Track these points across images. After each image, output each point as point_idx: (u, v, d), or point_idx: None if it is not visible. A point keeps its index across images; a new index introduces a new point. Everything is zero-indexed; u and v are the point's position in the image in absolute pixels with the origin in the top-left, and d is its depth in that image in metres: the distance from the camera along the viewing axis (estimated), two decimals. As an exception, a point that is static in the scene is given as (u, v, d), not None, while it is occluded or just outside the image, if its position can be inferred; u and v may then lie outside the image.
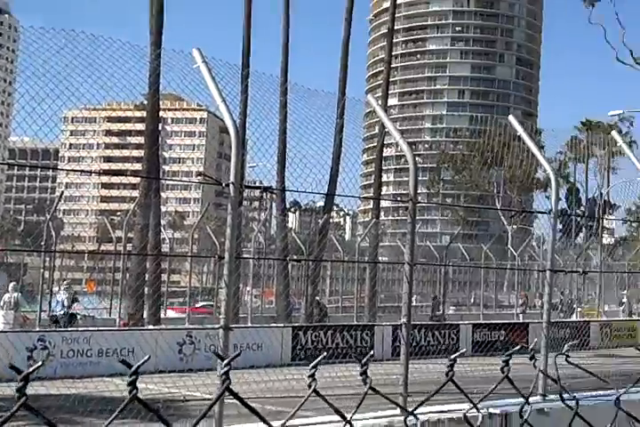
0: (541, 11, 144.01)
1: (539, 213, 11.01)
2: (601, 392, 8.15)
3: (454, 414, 7.19)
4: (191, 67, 6.73)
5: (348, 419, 1.69)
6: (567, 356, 1.42)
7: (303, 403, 1.58)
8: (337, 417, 1.68)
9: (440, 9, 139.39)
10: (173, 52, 7.75)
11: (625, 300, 31.64)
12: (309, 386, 1.46)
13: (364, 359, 1.47)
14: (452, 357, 1.42)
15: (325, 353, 1.62)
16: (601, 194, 66.94)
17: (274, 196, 25.23)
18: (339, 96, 21.81)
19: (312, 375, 1.46)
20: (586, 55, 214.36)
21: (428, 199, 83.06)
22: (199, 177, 78.18)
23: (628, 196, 38.71)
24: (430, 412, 7.81)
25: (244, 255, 24.95)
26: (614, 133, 12.28)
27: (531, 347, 1.46)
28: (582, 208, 74.91)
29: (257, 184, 14.75)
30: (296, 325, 21.13)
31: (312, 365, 1.44)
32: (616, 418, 1.76)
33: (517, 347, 1.59)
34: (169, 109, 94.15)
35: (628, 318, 28.63)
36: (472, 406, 1.45)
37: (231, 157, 6.45)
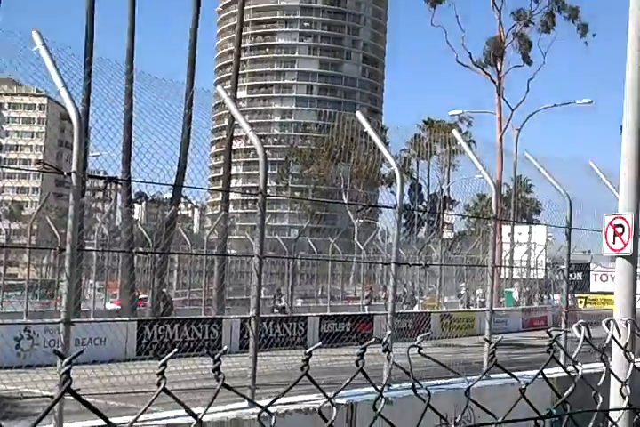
0: (386, 11, 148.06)
1: (384, 207, 11.27)
2: (442, 381, 8.47)
3: (301, 406, 7.24)
4: (30, 50, 6.38)
5: (200, 417, 1.60)
6: (419, 348, 1.40)
7: (151, 403, 1.49)
8: (184, 412, 1.60)
9: (288, 4, 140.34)
10: (10, 33, 7.28)
11: (463, 292, 33.16)
12: (158, 384, 1.37)
13: (217, 355, 1.39)
14: (308, 351, 1.36)
15: (175, 349, 1.52)
16: (442, 190, 69.81)
17: (119, 186, 24.50)
18: (187, 86, 21.47)
19: (161, 373, 1.37)
20: (429, 55, 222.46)
21: (278, 193, 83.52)
22: (38, 165, 74.80)
23: (467, 192, 40.68)
24: (279, 404, 7.85)
25: (87, 247, 24.11)
26: (455, 132, 12.74)
27: (384, 340, 1.43)
28: (424, 204, 77.83)
29: (101, 174, 14.24)
30: (141, 318, 20.66)
31: (161, 362, 1.35)
32: (467, 408, 1.79)
33: (371, 340, 1.55)
34: (5, 94, 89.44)
35: (466, 310, 30.00)
36: (327, 399, 1.41)
37: (73, 145, 6.16)
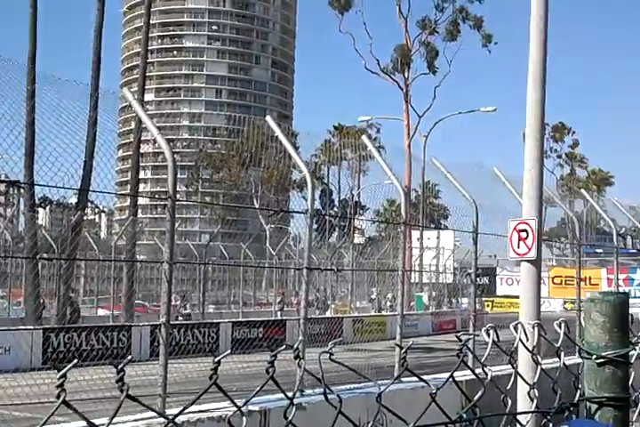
0: (295, 16, 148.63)
1: (295, 212, 11.29)
2: (355, 385, 8.52)
3: (214, 413, 7.16)
4: None
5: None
6: (331, 354, 1.38)
7: (51, 415, 1.44)
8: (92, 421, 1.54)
9: (196, 6, 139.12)
10: None
11: (374, 296, 33.52)
12: (58, 396, 1.32)
13: (121, 365, 1.34)
14: (216, 359, 1.33)
15: (76, 360, 1.46)
16: (352, 195, 70.45)
17: (22, 190, 23.73)
18: (92, 88, 20.99)
19: (61, 385, 1.32)
20: (339, 62, 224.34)
21: (188, 197, 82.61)
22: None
23: (377, 198, 41.09)
24: (190, 412, 7.74)
25: (-11, 255, 23.25)
26: (364, 138, 12.88)
27: (295, 347, 1.41)
28: (336, 209, 78.37)
29: (2, 178, 13.76)
30: (47, 327, 20.07)
31: (60, 374, 1.29)
32: (378, 413, 1.80)
33: (282, 347, 1.54)
34: None
35: (377, 314, 30.32)
36: (237, 409, 1.38)
37: (-26, 147, 5.94)
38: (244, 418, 1.34)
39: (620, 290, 19.42)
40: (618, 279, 18.31)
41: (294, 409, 1.32)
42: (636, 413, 1.84)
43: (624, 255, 22.63)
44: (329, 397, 1.43)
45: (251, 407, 7.48)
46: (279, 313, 30.12)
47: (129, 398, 1.45)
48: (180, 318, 26.20)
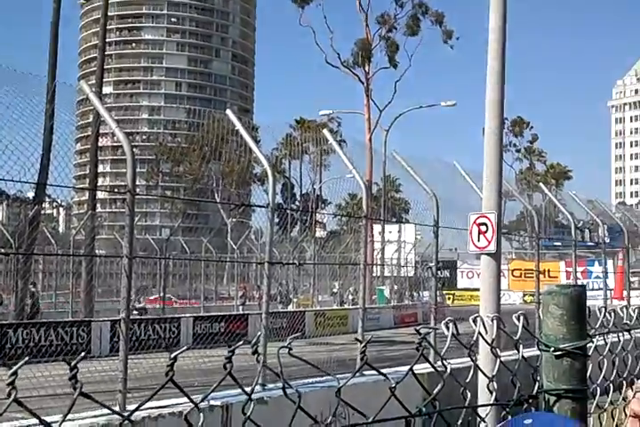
0: (254, 9, 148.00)
1: (257, 206, 11.25)
2: (316, 379, 8.54)
3: (175, 409, 7.12)
4: None
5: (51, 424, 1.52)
6: (290, 349, 1.37)
7: (2, 413, 1.41)
8: (49, 418, 1.51)
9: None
10: None
11: (336, 290, 33.59)
12: (9, 395, 1.29)
13: (74, 362, 1.32)
14: (173, 355, 1.32)
15: (27, 358, 1.43)
16: (314, 189, 70.48)
17: (-22, 186, 23.26)
18: (49, 81, 20.67)
19: (11, 383, 1.29)
20: (300, 55, 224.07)
21: (147, 191, 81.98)
22: None
23: (339, 192, 41.10)
24: (150, 408, 7.69)
25: (-56, 251, 22.82)
26: (325, 132, 12.89)
27: (253, 342, 1.40)
28: (297, 203, 78.33)
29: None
30: (5, 322, 19.78)
31: (11, 372, 1.27)
32: (337, 408, 1.80)
33: (240, 342, 1.52)
34: None
35: (339, 308, 30.39)
36: (193, 405, 1.37)
37: None
38: (201, 414, 1.32)
39: (579, 282, 19.73)
40: (576, 272, 18.58)
41: (252, 405, 1.31)
42: (594, 404, 1.87)
43: (582, 248, 22.97)
44: (288, 391, 1.42)
45: (212, 402, 7.46)
46: (240, 307, 30.03)
47: (83, 396, 1.43)
48: (135, 312, 25.81)
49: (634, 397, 1.84)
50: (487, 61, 8.63)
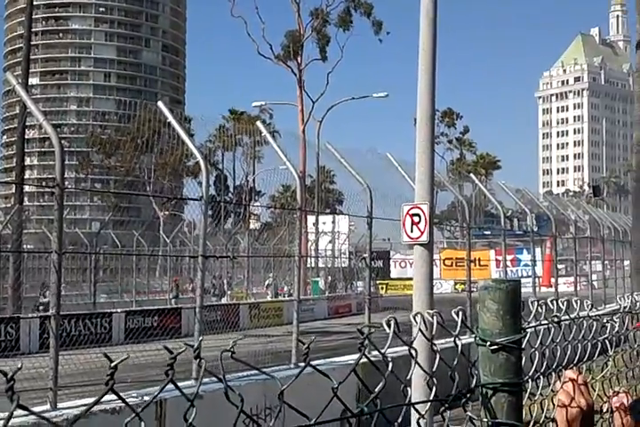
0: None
1: (190, 199, 11.14)
2: (251, 372, 8.51)
3: (108, 405, 7.01)
4: None
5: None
6: (232, 352, 1.36)
7: None
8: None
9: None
10: None
11: (271, 282, 33.54)
12: None
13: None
14: (113, 364, 1.28)
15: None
16: (247, 181, 70.20)
17: None
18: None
19: None
20: (232, 46, 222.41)
21: (77, 184, 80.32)
22: None
23: (273, 183, 41.10)
24: (82, 405, 7.56)
25: None
26: (259, 124, 12.83)
27: (196, 346, 1.37)
28: (231, 195, 77.91)
29: None
30: None
31: None
32: (266, 398, 1.78)
33: (183, 349, 1.49)
34: None
35: (274, 300, 30.37)
36: (127, 405, 1.33)
37: None
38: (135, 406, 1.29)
39: (508, 271, 20.15)
40: (506, 260, 18.97)
41: (194, 412, 1.28)
42: (525, 397, 1.90)
43: (511, 237, 23.47)
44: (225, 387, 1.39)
45: (146, 398, 7.38)
46: (173, 301, 29.76)
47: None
48: (41, 307, 25.11)
49: (561, 387, 1.87)
50: (419, 52, 8.70)
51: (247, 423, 1.63)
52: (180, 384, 1.30)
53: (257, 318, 24.41)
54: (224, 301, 29.59)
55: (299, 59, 49.77)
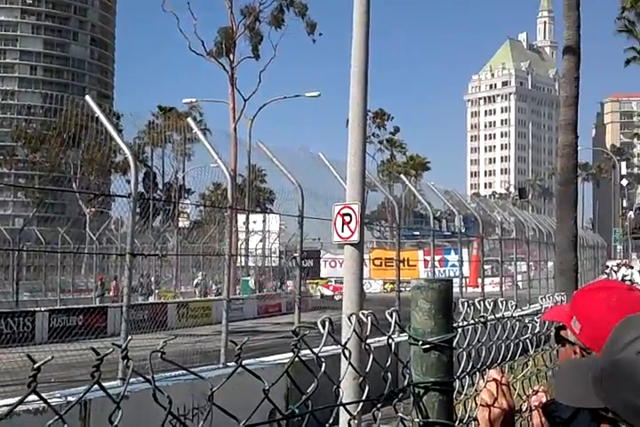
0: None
1: (118, 196, 10.95)
2: (179, 372, 8.40)
3: (30, 406, 6.83)
4: None
5: None
6: (163, 353, 1.32)
7: None
8: None
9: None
10: None
11: (200, 281, 33.23)
12: None
13: None
14: (36, 366, 1.23)
15: None
16: (177, 179, 69.44)
17: None
18: None
19: None
20: (164, 42, 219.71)
21: (0, 179, 78.19)
22: None
23: (203, 181, 40.61)
24: (5, 405, 7.34)
25: None
26: (190, 120, 12.68)
27: (124, 346, 1.33)
28: (160, 192, 76.92)
29: None
30: None
31: None
32: (193, 399, 1.75)
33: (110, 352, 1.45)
34: None
35: (203, 299, 30.10)
36: (50, 407, 1.28)
37: None
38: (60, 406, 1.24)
39: (436, 271, 20.42)
40: (434, 260, 19.22)
41: (120, 414, 1.24)
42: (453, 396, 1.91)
43: (439, 237, 23.77)
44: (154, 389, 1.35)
45: (70, 398, 7.21)
46: (98, 300, 29.23)
47: None
48: None
49: (484, 387, 1.89)
50: (351, 53, 8.74)
51: (174, 424, 1.59)
52: (105, 384, 1.26)
53: (185, 317, 24.14)
54: (151, 300, 29.19)
55: (231, 56, 49.47)
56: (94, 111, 9.51)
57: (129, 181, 9.62)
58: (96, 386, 1.22)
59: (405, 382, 1.67)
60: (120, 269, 29.41)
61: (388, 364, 1.60)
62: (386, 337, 1.65)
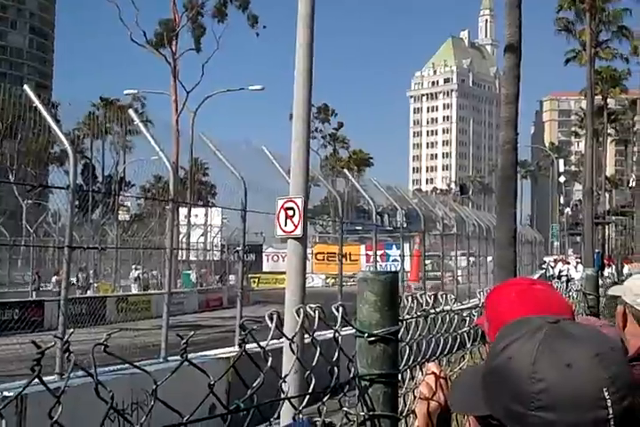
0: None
1: (56, 188, 10.74)
2: (118, 366, 8.28)
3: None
4: None
5: None
6: (106, 346, 1.28)
7: None
8: None
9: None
10: None
11: (137, 274, 32.79)
12: None
13: None
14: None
15: None
16: (117, 171, 68.47)
17: None
18: None
19: None
20: (106, 33, 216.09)
21: None
22: None
23: (144, 174, 40.09)
24: None
25: None
26: (131, 112, 12.49)
27: (65, 340, 1.29)
28: (99, 184, 75.72)
29: None
30: None
31: None
32: (133, 393, 1.72)
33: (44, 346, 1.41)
34: None
35: (142, 293, 29.75)
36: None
37: None
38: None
39: (378, 265, 20.57)
40: (376, 255, 19.36)
41: (60, 408, 1.20)
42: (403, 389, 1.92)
43: (382, 232, 23.92)
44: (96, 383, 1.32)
45: (6, 393, 7.06)
46: (34, 293, 28.66)
47: None
48: None
49: (423, 380, 1.90)
50: (296, 48, 8.71)
51: (113, 419, 1.55)
52: (43, 378, 1.22)
53: (125, 311, 23.82)
54: (89, 293, 28.74)
55: (173, 48, 48.93)
56: (33, 101, 9.30)
57: (67, 173, 9.45)
58: (35, 380, 1.19)
59: (351, 375, 1.66)
60: (58, 262, 28.88)
61: (334, 358, 1.59)
62: (330, 331, 1.64)
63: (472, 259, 27.82)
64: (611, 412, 1.12)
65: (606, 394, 1.12)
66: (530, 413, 1.14)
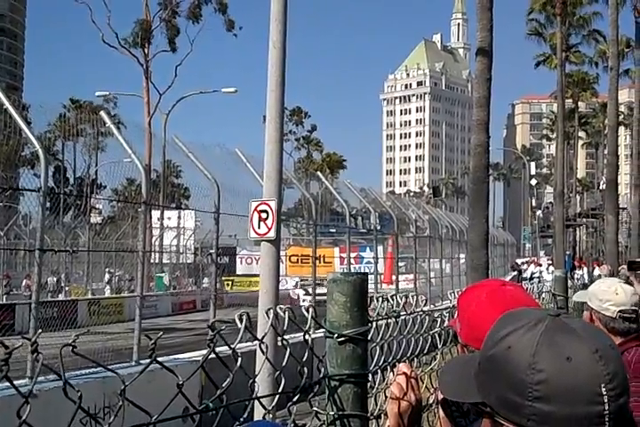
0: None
1: (27, 190, 10.64)
2: (90, 370, 8.23)
3: None
4: None
5: None
6: (74, 347, 1.29)
7: None
8: None
9: None
10: None
11: (112, 277, 32.57)
12: None
13: None
14: None
15: None
16: (89, 173, 67.95)
17: None
18: None
19: None
20: (78, 33, 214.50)
21: None
22: None
23: (116, 176, 39.68)
24: None
25: None
26: (103, 114, 12.40)
27: (33, 340, 1.29)
28: (71, 187, 75.09)
29: None
30: None
31: None
32: (105, 397, 1.71)
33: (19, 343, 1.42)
34: None
35: (115, 296, 29.55)
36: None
37: None
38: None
39: (352, 268, 20.59)
40: (350, 257, 19.38)
41: (29, 408, 1.20)
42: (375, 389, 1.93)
43: (355, 235, 23.99)
44: (64, 383, 1.32)
45: (-25, 398, 6.98)
46: (5, 297, 28.36)
47: None
48: None
49: (394, 380, 1.92)
50: (269, 50, 8.72)
51: (85, 423, 1.55)
52: (7, 383, 1.22)
53: (97, 314, 23.62)
54: (61, 297, 28.47)
55: (146, 49, 48.65)
56: (2, 102, 9.22)
57: (38, 175, 9.37)
58: (3, 384, 1.18)
59: (320, 376, 1.67)
60: (29, 265, 28.59)
61: (304, 358, 1.60)
62: (302, 333, 1.66)
63: (445, 261, 27.97)
64: (607, 408, 1.13)
65: (604, 390, 1.13)
66: (526, 403, 1.15)
